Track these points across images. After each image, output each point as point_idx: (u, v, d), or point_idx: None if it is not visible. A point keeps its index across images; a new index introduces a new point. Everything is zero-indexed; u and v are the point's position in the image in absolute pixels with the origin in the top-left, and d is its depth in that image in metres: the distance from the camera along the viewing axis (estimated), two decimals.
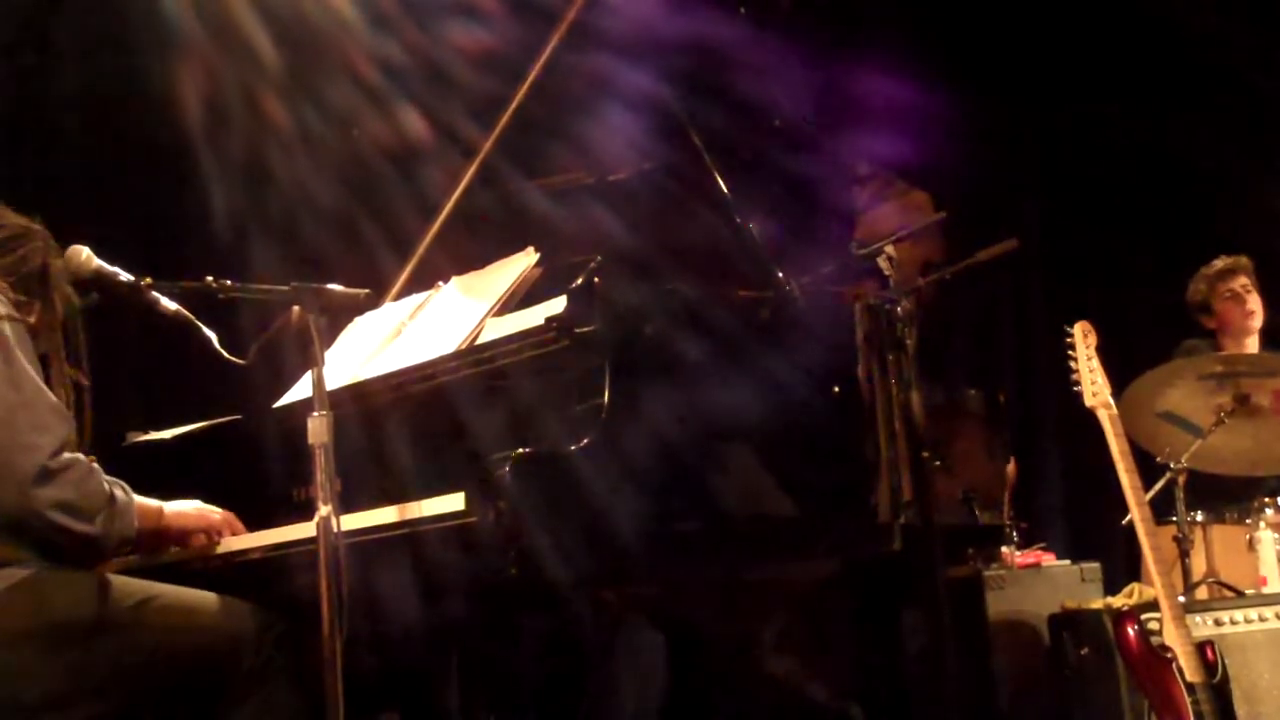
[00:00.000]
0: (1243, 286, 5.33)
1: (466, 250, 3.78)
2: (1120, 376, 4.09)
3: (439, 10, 4.43)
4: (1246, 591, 4.28)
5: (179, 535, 3.06)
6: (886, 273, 3.78)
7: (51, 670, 2.64)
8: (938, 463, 3.65)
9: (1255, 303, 5.32)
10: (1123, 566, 5.00)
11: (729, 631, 3.28)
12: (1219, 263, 5.40)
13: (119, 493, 2.80)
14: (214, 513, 3.09)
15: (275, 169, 4.66)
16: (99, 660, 2.69)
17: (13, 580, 2.66)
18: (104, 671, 2.69)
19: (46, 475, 2.66)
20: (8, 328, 2.74)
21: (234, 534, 3.08)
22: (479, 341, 3.16)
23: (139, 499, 2.89)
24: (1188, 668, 3.48)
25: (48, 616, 2.66)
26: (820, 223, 4.29)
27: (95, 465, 2.78)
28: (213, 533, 3.08)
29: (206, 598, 2.85)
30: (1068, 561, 4.84)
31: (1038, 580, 4.56)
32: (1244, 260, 5.38)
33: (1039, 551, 4.85)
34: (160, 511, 2.99)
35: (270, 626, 2.84)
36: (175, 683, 2.78)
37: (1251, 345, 5.33)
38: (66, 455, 2.70)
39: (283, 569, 2.96)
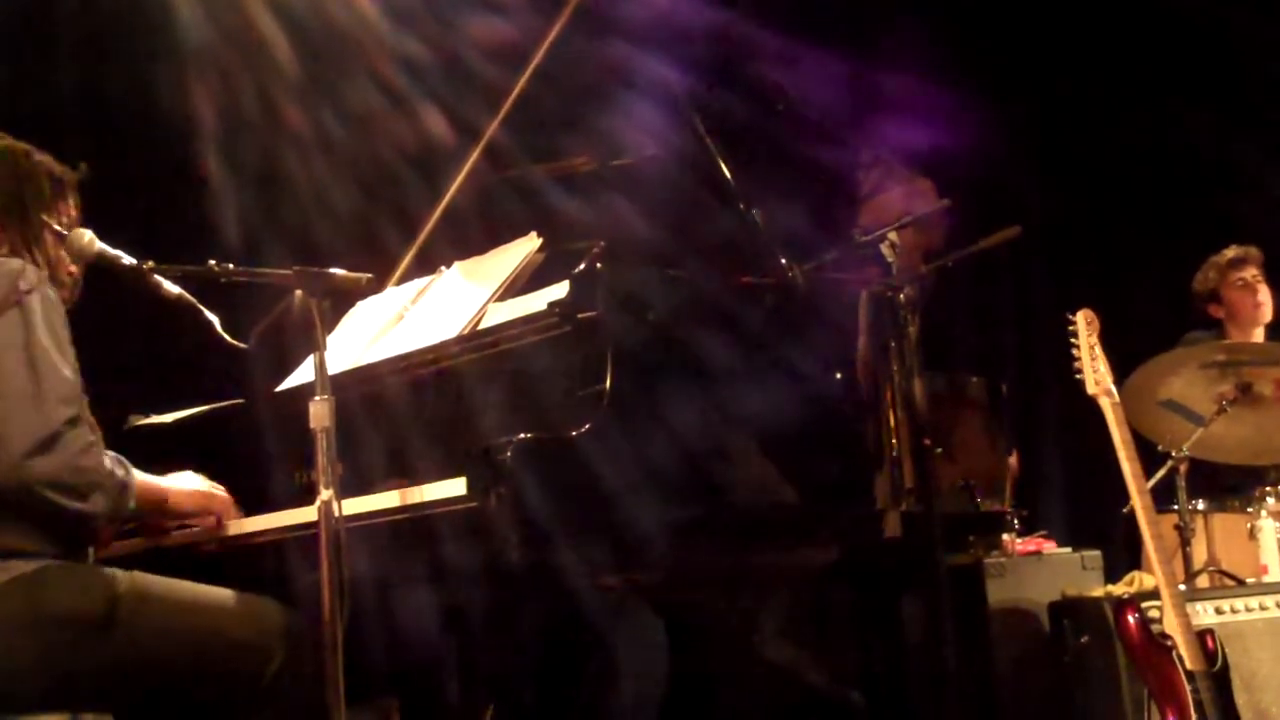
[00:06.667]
0: (1253, 276, 5.33)
1: (470, 235, 3.78)
2: (1123, 365, 4.09)
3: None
4: (1247, 580, 4.28)
5: (181, 516, 3.05)
6: (889, 260, 3.77)
7: (50, 667, 2.59)
8: (939, 450, 3.64)
9: (1265, 293, 5.32)
10: (1123, 554, 5.00)
11: (730, 618, 3.28)
12: (1230, 251, 5.40)
13: (119, 471, 2.76)
14: (215, 496, 3.06)
15: (279, 157, 4.66)
16: (99, 658, 2.63)
17: (12, 574, 2.62)
18: (105, 670, 2.64)
19: (37, 453, 2.61)
20: (34, 301, 2.70)
21: (229, 520, 3.06)
22: (481, 326, 3.16)
23: (143, 477, 2.86)
24: (1188, 656, 3.48)
25: (46, 612, 2.61)
26: (832, 208, 4.30)
27: (95, 440, 2.73)
28: (216, 515, 3.06)
29: (223, 597, 2.79)
30: (1068, 549, 4.84)
31: (1038, 568, 4.56)
32: (1254, 250, 5.38)
33: (1040, 539, 4.85)
34: (165, 495, 2.96)
35: (292, 629, 2.76)
36: (184, 686, 2.70)
37: (1258, 336, 5.32)
38: (65, 432, 2.65)
39: (288, 554, 2.96)
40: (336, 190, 4.70)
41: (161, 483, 2.98)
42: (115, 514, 2.77)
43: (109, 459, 2.76)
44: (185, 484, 3.05)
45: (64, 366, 2.72)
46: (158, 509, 2.98)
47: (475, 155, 3.82)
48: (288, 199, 4.71)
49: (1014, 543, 4.63)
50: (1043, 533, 4.96)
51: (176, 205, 4.62)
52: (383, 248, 4.09)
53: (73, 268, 2.97)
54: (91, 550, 2.86)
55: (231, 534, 3.04)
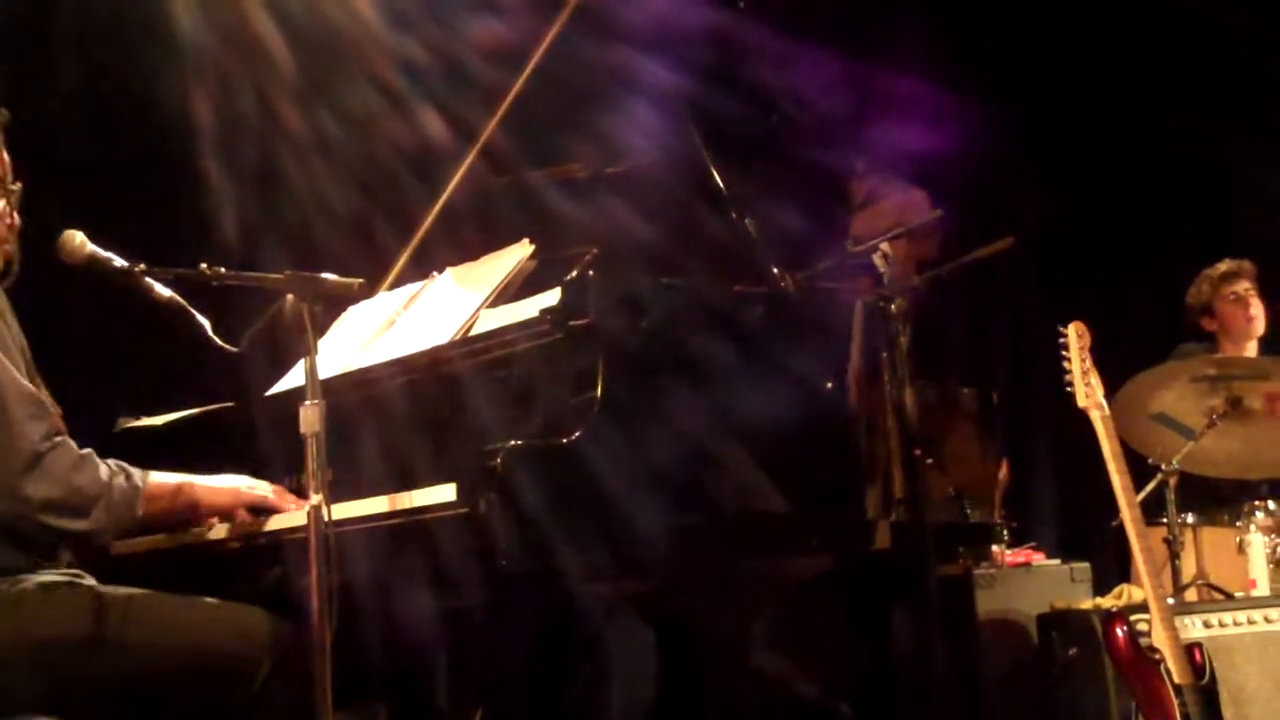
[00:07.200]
0: (1246, 290, 5.36)
1: (464, 240, 3.78)
2: (1117, 376, 4.10)
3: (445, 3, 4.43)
4: (1236, 594, 4.29)
5: (210, 512, 2.98)
6: (881, 270, 3.77)
7: (34, 688, 2.56)
8: (930, 461, 3.65)
9: (1257, 307, 5.35)
10: (1113, 567, 5.00)
11: (719, 626, 3.28)
12: (1223, 265, 5.43)
13: (119, 481, 2.72)
14: (253, 489, 2.99)
15: (275, 158, 4.66)
16: (84, 677, 2.60)
17: None
18: (90, 687, 2.60)
19: (26, 475, 2.59)
20: None
21: (284, 502, 2.98)
22: (473, 333, 3.16)
23: (155, 477, 2.83)
24: (1176, 670, 3.49)
25: (30, 635, 2.58)
26: (830, 212, 4.30)
27: (88, 454, 2.71)
28: (249, 509, 2.99)
29: (208, 608, 2.76)
30: (1058, 561, 4.85)
31: (1028, 579, 4.56)
32: (1247, 264, 5.42)
33: (1029, 551, 4.85)
34: (176, 489, 2.89)
35: (279, 640, 2.73)
36: (172, 699, 2.67)
37: (1251, 350, 5.35)
38: (49, 450, 2.62)
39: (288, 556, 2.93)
40: (332, 192, 4.70)
41: (177, 477, 2.91)
42: (120, 526, 2.74)
43: (107, 468, 2.73)
44: (219, 481, 2.98)
45: (20, 378, 2.67)
46: (178, 505, 2.92)
47: (470, 159, 3.82)
48: (283, 200, 4.71)
49: (1003, 554, 4.64)
50: (1032, 544, 4.96)
51: (171, 207, 4.62)
52: (379, 250, 4.08)
53: (8, 217, 2.85)
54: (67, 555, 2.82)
55: (245, 533, 3.01)
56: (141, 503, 2.76)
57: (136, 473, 2.79)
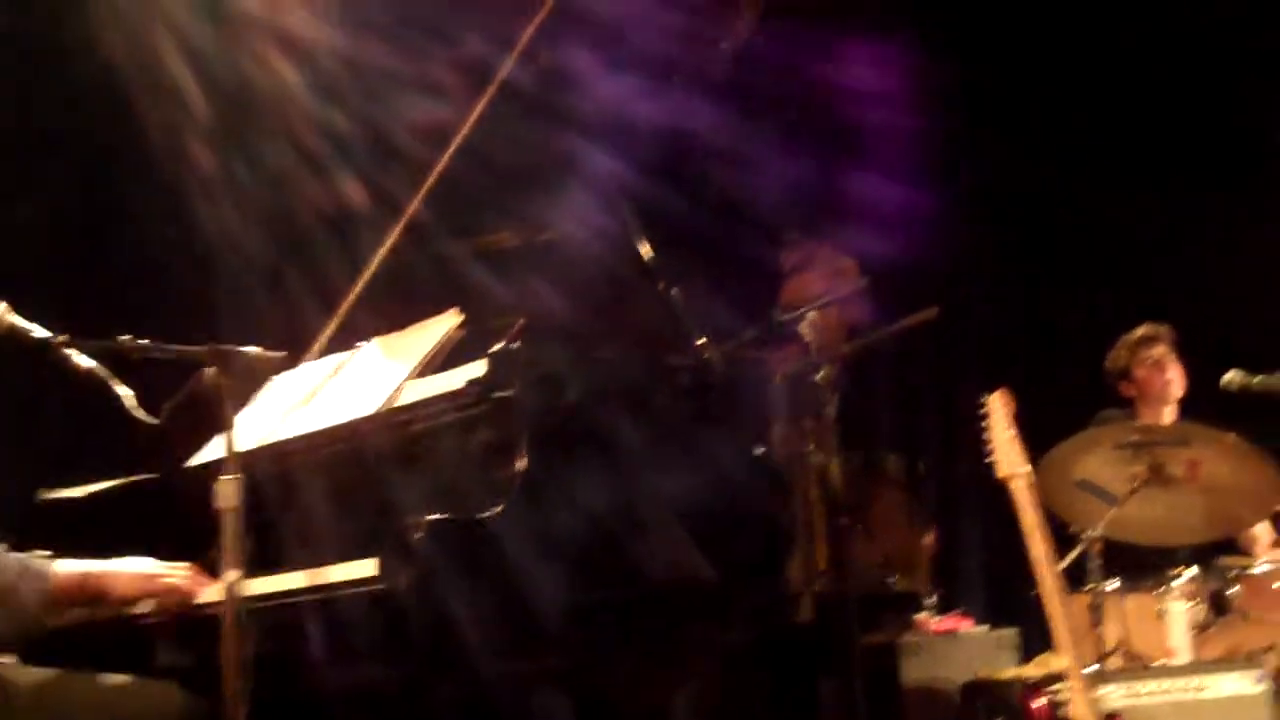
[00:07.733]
0: (1162, 354, 5.43)
1: (392, 310, 3.77)
2: (1046, 441, 4.12)
3: (377, 78, 4.45)
4: (1158, 662, 4.31)
5: (120, 601, 2.92)
6: (808, 339, 3.81)
7: None
8: (859, 526, 3.67)
9: (1174, 371, 5.41)
10: (1040, 632, 5.02)
11: (642, 699, 3.27)
12: (1141, 330, 5.50)
13: (24, 583, 2.69)
14: (166, 578, 2.94)
15: (199, 222, 4.65)
16: None
17: None
18: None
19: None
20: None
21: (196, 586, 2.92)
22: (399, 404, 3.15)
23: (63, 568, 2.78)
24: None
25: None
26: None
27: None
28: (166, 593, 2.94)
29: (120, 685, 2.73)
30: (985, 628, 4.87)
31: (954, 647, 4.58)
32: (1165, 329, 5.48)
33: (957, 617, 4.88)
34: (83, 579, 2.84)
35: (193, 716, 2.71)
36: None
37: (1168, 414, 5.41)
38: None
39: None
40: (261, 258, 4.69)
41: (82, 566, 2.87)
42: (28, 626, 2.71)
43: (13, 570, 2.70)
44: (128, 566, 2.93)
45: None
46: (97, 598, 2.87)
47: (398, 229, 3.82)
48: (212, 268, 4.69)
49: (930, 621, 4.66)
50: (961, 610, 4.99)
51: (94, 275, 4.60)
52: (306, 318, 4.07)
53: None
54: None
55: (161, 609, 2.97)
56: (48, 603, 2.72)
57: (46, 569, 2.75)
